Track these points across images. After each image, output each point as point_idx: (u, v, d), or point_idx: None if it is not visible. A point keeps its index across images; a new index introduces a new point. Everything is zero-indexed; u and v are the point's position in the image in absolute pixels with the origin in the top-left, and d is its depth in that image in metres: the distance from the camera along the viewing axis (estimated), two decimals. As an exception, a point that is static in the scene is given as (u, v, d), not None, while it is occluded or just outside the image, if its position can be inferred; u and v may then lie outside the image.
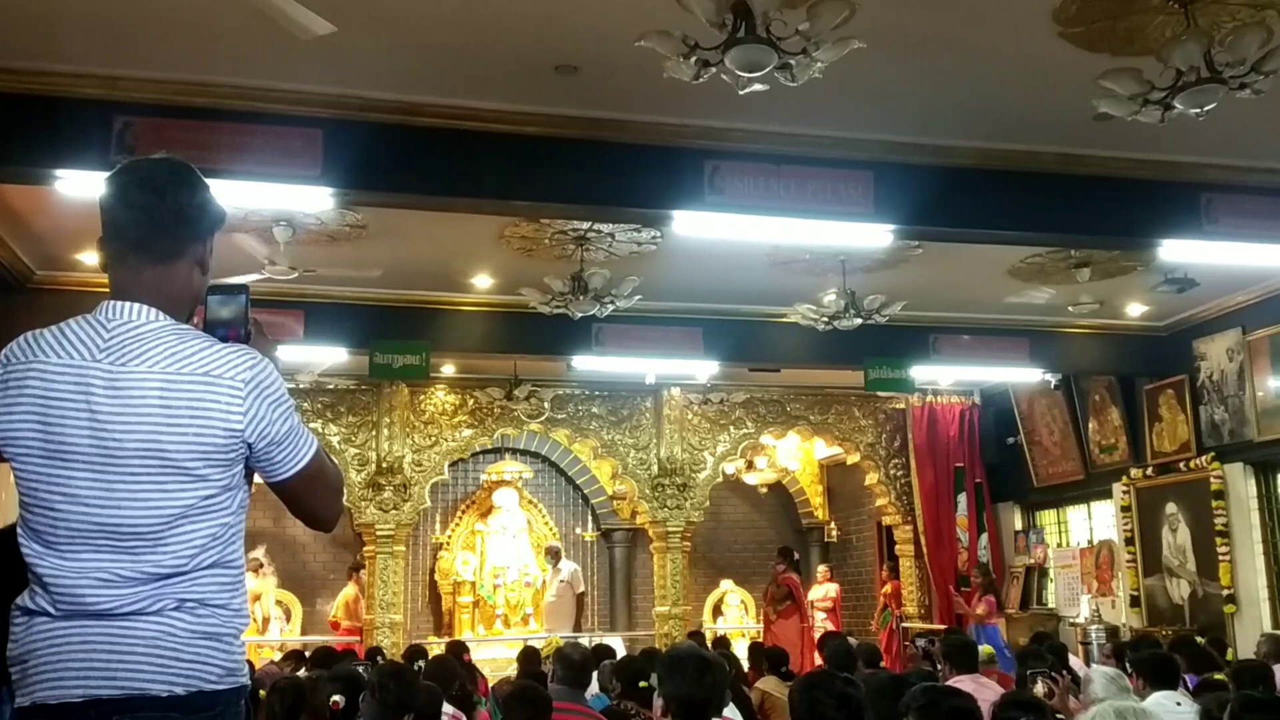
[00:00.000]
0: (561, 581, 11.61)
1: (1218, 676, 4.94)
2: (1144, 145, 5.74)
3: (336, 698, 4.02)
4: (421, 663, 6.31)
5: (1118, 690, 4.12)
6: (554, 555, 11.87)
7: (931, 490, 11.51)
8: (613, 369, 9.39)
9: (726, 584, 13.32)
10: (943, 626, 10.44)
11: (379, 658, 7.87)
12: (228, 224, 2.07)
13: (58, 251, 7.15)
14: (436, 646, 10.12)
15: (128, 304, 1.80)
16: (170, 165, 1.89)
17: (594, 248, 7.20)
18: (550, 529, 12.85)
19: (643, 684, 4.48)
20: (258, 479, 1.91)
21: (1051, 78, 5.03)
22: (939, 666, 5.81)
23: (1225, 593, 8.75)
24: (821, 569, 12.52)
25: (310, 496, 1.93)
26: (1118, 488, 10.09)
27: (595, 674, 5.99)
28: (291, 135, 5.12)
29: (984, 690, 4.53)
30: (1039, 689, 4.32)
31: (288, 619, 11.50)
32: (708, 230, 5.99)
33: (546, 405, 10.80)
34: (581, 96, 5.18)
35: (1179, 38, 4.24)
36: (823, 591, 12.14)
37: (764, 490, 13.85)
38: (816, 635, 11.62)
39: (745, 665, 7.89)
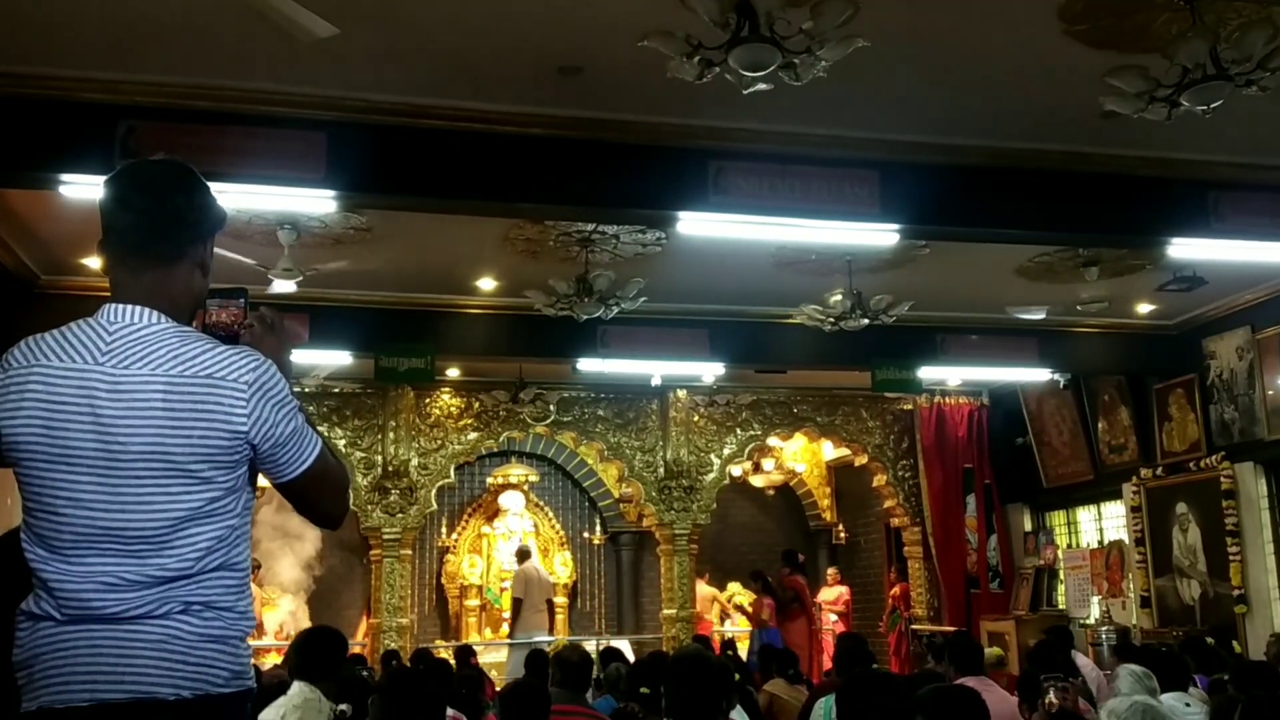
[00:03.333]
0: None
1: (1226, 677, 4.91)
2: (1151, 143, 5.71)
3: (343, 706, 4.01)
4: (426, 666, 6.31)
5: (1144, 689, 4.09)
6: (519, 556, 11.24)
7: (940, 491, 11.47)
8: (618, 371, 9.38)
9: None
10: (951, 628, 10.40)
11: (394, 662, 7.89)
12: (228, 230, 2.07)
13: (62, 256, 7.17)
14: (444, 650, 10.13)
15: (129, 307, 1.80)
16: (170, 167, 1.89)
17: (599, 249, 7.19)
18: (556, 532, 12.85)
19: (644, 690, 4.46)
20: (263, 481, 1.90)
21: (1057, 76, 5.01)
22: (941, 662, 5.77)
23: (1236, 593, 8.71)
24: (831, 571, 12.50)
25: (316, 495, 1.93)
26: (1127, 488, 10.04)
27: (602, 676, 5.99)
28: (295, 138, 5.12)
29: (990, 693, 4.49)
30: (1050, 698, 4.28)
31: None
32: (713, 231, 5.98)
33: (552, 408, 10.79)
34: (585, 97, 5.17)
35: (1185, 35, 4.22)
36: (834, 594, 12.12)
37: (771, 492, 13.82)
38: (825, 637, 11.65)
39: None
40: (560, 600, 12.48)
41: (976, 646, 5.32)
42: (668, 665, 3.34)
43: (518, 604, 10.67)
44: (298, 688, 3.84)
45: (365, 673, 6.44)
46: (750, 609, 11.71)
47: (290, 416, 1.82)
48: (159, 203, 1.84)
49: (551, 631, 10.94)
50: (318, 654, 4.01)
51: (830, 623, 11.81)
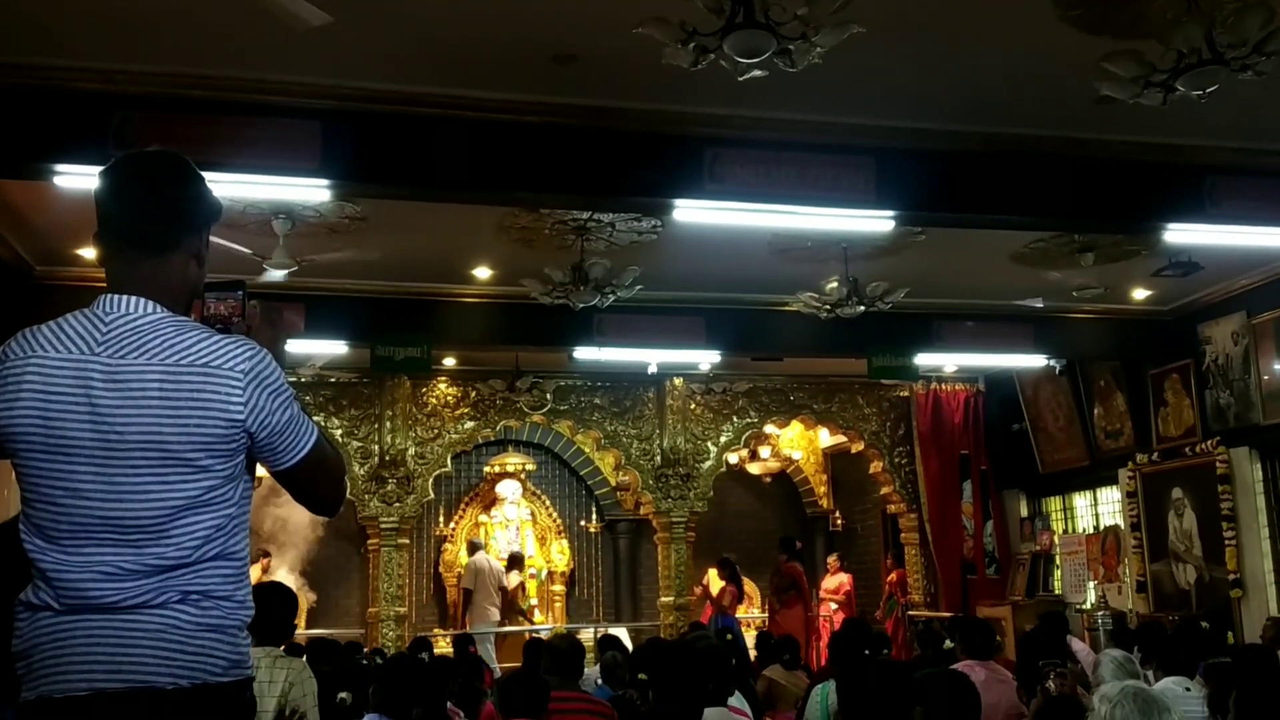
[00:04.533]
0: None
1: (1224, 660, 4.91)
2: (1146, 128, 5.71)
3: (343, 694, 4.02)
4: (426, 655, 6.34)
5: (1126, 674, 4.11)
6: (470, 549, 11.63)
7: (936, 478, 11.50)
8: (615, 359, 9.37)
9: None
10: (948, 614, 10.44)
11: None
12: (223, 220, 2.07)
13: (57, 246, 7.15)
14: (442, 639, 10.16)
15: (125, 297, 1.80)
16: (165, 158, 1.89)
17: (594, 238, 7.18)
18: (554, 520, 12.87)
19: (641, 675, 4.47)
20: (260, 471, 1.91)
21: (1053, 61, 5.00)
22: (946, 645, 5.75)
23: (1231, 577, 8.73)
24: (832, 559, 12.51)
25: (313, 483, 1.94)
26: (1123, 473, 10.06)
27: (599, 665, 6.01)
28: (289, 128, 5.10)
29: (1000, 678, 4.48)
30: (1050, 686, 4.29)
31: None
32: (708, 219, 5.97)
33: (549, 397, 10.79)
34: (580, 85, 5.16)
35: (1180, 19, 4.21)
36: (835, 582, 12.13)
37: (768, 480, 13.83)
38: (824, 625, 11.68)
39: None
40: (558, 589, 12.53)
41: (986, 629, 5.17)
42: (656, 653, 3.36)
43: (467, 594, 10.98)
44: (262, 651, 3.40)
45: (365, 661, 6.46)
46: (715, 594, 11.73)
47: (286, 405, 1.83)
48: (154, 194, 1.84)
49: (504, 621, 11.09)
50: (267, 613, 3.23)
51: (830, 610, 11.83)
